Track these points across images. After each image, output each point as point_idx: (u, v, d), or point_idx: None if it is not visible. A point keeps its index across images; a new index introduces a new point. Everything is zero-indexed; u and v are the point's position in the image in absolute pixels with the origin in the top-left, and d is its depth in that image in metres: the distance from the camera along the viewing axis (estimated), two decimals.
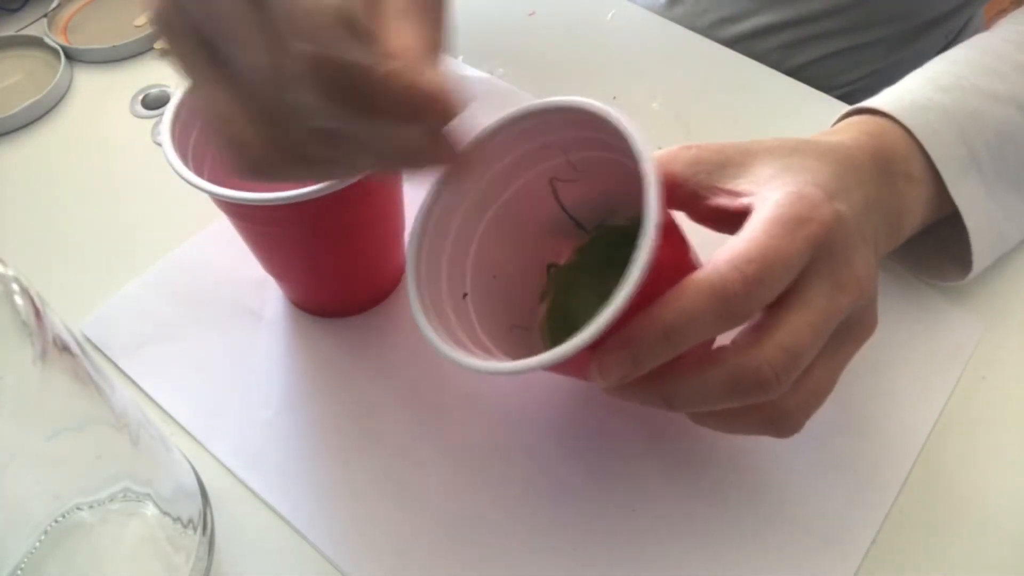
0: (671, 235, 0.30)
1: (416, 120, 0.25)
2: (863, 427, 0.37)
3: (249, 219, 0.36)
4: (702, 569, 0.34)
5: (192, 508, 0.34)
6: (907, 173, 0.36)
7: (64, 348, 0.26)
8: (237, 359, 0.41)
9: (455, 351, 0.29)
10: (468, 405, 0.39)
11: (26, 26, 0.61)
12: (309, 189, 0.32)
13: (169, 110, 0.36)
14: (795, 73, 0.55)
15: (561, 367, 0.29)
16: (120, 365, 0.41)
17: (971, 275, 0.39)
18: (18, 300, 0.24)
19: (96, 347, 0.41)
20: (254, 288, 0.43)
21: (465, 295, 0.34)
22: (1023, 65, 0.40)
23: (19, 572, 0.30)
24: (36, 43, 0.58)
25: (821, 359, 0.30)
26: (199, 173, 0.35)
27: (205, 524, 0.34)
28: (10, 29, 0.60)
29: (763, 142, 0.34)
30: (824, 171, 0.32)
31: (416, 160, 0.28)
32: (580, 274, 0.37)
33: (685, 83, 0.54)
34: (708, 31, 0.61)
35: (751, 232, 0.29)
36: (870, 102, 0.39)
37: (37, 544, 0.30)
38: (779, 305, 0.29)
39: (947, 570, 0.33)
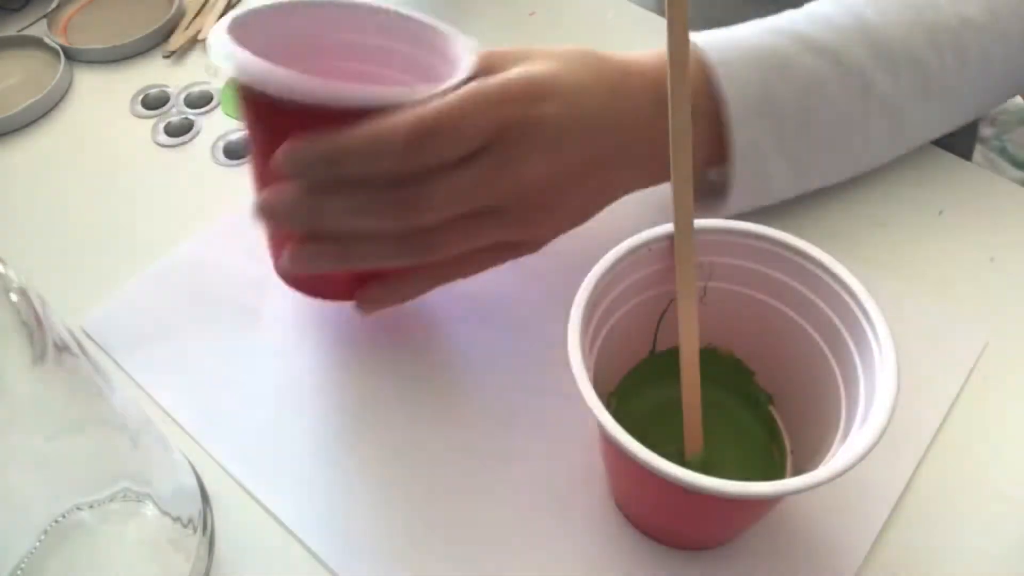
0: None
1: None
2: None
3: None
4: (702, 571, 0.34)
5: (192, 508, 0.34)
6: (695, 106, 0.37)
7: (64, 348, 0.26)
8: (236, 358, 0.41)
9: None
10: (469, 406, 0.39)
11: (26, 26, 0.61)
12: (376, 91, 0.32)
13: (222, 26, 0.34)
14: None
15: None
16: (120, 362, 0.41)
17: (725, 212, 0.40)
18: (18, 300, 0.24)
19: (97, 344, 0.42)
20: (255, 287, 0.43)
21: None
22: (862, 22, 0.40)
23: (19, 572, 0.30)
24: (36, 43, 0.58)
25: (459, 225, 0.34)
26: None
27: (205, 524, 0.34)
28: (10, 29, 0.60)
29: (558, 47, 0.36)
30: (574, 74, 0.35)
31: None
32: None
33: None
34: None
35: (456, 92, 0.32)
36: (699, 35, 0.39)
37: (37, 544, 0.30)
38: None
39: None
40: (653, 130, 0.36)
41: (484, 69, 0.35)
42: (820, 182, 0.43)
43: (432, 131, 0.31)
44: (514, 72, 0.34)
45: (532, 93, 0.34)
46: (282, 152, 0.32)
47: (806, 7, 0.42)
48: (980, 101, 0.44)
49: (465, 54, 0.35)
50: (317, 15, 0.38)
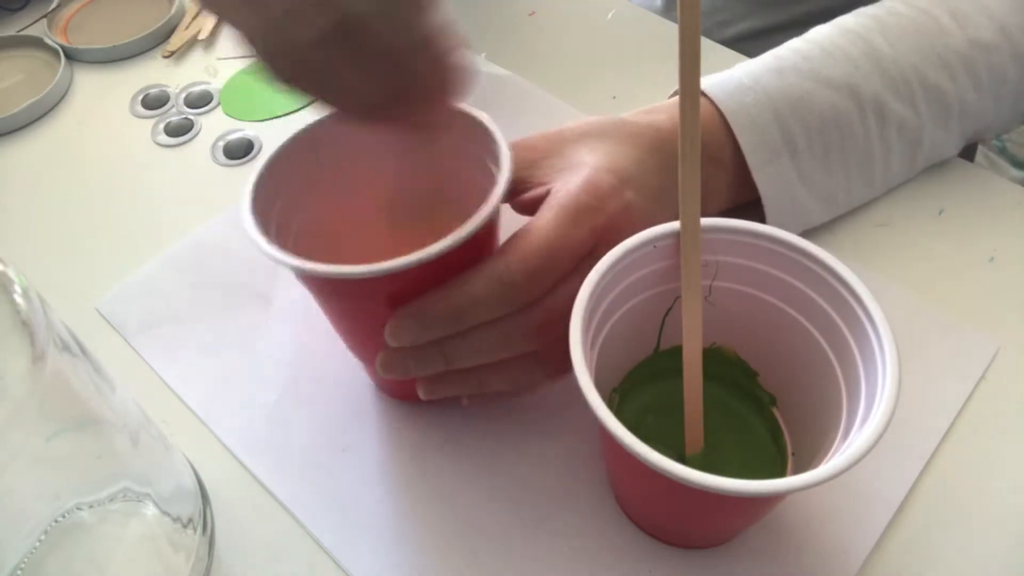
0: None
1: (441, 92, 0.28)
2: None
3: (334, 294, 0.34)
4: (701, 570, 0.33)
5: (192, 508, 0.34)
6: (717, 159, 0.39)
7: (64, 348, 0.26)
8: (246, 342, 0.41)
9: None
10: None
11: (26, 26, 0.61)
12: (392, 264, 0.29)
13: (252, 179, 0.34)
14: None
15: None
16: (132, 343, 0.42)
17: None
18: (18, 300, 0.24)
19: (110, 324, 0.43)
20: (266, 274, 0.44)
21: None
22: (874, 50, 0.41)
23: (19, 572, 0.30)
24: (36, 43, 0.58)
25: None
26: (283, 246, 0.31)
27: (205, 524, 0.34)
28: (10, 29, 0.60)
29: (577, 127, 0.37)
30: (627, 156, 0.36)
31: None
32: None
33: None
34: (703, 35, 0.61)
35: (542, 220, 0.32)
36: (705, 80, 0.40)
37: (37, 544, 0.30)
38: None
39: None
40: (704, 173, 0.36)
41: (521, 163, 0.35)
42: (848, 207, 0.43)
43: (549, 258, 0.31)
44: (588, 172, 0.34)
45: (615, 186, 0.34)
46: (396, 327, 0.31)
47: (814, 36, 0.42)
48: (1000, 119, 0.45)
49: (501, 149, 0.33)
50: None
